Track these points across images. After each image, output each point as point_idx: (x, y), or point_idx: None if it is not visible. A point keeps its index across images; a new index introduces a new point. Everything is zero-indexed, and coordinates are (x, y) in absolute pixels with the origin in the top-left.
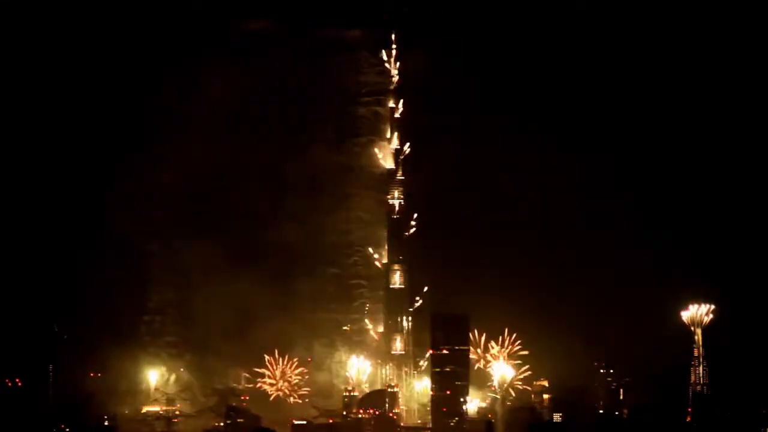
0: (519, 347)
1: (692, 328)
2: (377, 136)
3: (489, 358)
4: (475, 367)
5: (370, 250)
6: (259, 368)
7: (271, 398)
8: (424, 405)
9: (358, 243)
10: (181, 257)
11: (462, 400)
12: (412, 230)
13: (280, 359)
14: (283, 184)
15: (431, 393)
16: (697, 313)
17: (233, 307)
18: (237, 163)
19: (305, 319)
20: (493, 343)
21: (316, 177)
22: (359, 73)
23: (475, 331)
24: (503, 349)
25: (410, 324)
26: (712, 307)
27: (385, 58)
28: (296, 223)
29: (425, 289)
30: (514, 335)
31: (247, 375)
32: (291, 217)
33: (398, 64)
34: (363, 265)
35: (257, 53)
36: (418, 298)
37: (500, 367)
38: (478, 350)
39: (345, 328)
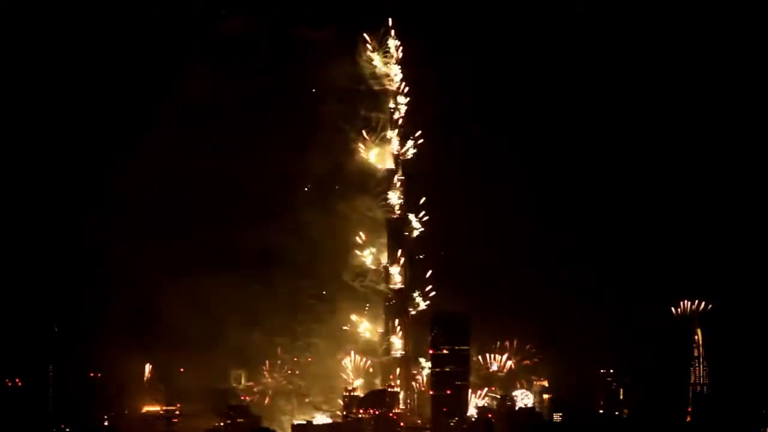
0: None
1: (692, 328)
2: (371, 135)
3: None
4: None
5: (367, 251)
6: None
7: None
8: (424, 405)
9: (354, 244)
10: (170, 259)
11: (462, 400)
12: (414, 232)
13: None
14: (264, 186)
15: (431, 393)
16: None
17: (231, 308)
18: (216, 165)
19: (304, 319)
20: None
21: (307, 178)
22: (337, 71)
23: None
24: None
25: (410, 324)
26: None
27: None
28: (292, 222)
29: (425, 289)
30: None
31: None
32: (288, 216)
33: (396, 62)
34: (360, 266)
35: (233, 53)
36: (418, 298)
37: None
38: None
39: (345, 328)
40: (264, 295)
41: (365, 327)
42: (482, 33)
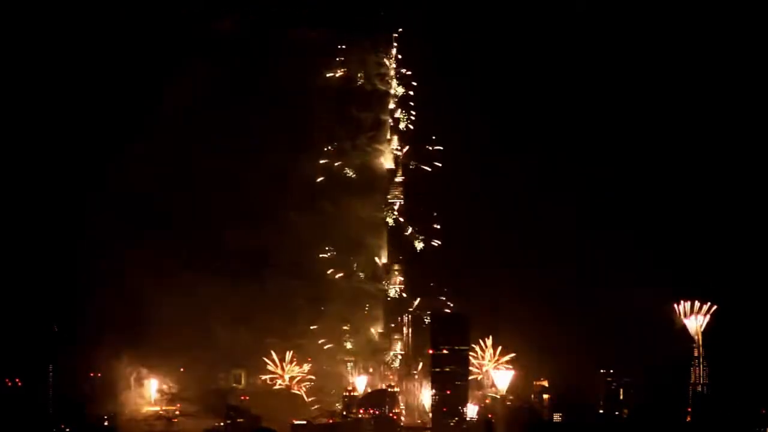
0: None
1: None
2: (370, 135)
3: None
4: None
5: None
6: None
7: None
8: (423, 405)
9: (356, 245)
10: (165, 259)
11: (462, 400)
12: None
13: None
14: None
15: (431, 393)
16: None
17: (229, 308)
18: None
19: (303, 319)
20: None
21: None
22: (334, 72)
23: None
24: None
25: (410, 324)
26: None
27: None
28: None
29: (425, 289)
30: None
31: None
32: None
33: (396, 66)
34: (362, 266)
35: (232, 53)
36: (418, 298)
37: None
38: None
39: (345, 327)
40: (258, 296)
41: (364, 327)
42: (483, 34)
